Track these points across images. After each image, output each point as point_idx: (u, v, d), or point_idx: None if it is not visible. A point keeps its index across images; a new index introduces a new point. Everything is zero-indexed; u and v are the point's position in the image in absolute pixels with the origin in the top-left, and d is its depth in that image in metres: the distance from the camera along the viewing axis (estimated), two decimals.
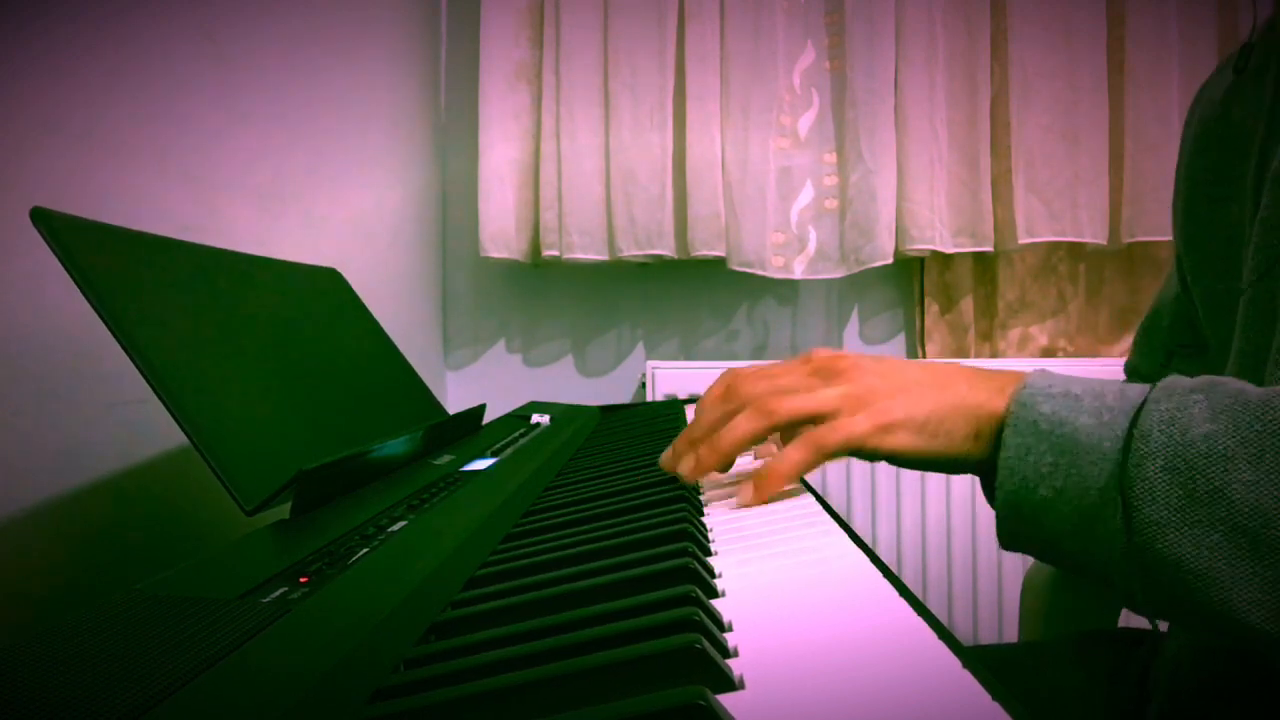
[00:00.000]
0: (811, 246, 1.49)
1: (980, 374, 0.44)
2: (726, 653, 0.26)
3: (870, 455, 0.44)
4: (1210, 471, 0.33)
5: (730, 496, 0.49)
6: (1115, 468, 0.35)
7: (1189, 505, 0.33)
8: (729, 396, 0.49)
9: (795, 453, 0.44)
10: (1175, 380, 0.37)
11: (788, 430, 0.47)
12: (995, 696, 0.20)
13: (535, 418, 0.93)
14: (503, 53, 1.48)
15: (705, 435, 0.49)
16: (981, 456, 0.42)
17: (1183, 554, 0.33)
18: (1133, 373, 0.76)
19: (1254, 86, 0.53)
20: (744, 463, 0.51)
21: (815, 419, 0.45)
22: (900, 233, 1.44)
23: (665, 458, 0.52)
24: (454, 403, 1.58)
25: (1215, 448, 0.33)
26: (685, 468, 0.49)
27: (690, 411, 0.92)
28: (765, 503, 0.47)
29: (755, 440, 0.47)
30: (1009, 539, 0.40)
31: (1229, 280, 0.51)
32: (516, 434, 0.82)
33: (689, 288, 1.58)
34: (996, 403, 0.41)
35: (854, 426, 0.43)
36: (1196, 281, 0.58)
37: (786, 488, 0.47)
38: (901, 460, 0.44)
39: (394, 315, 1.07)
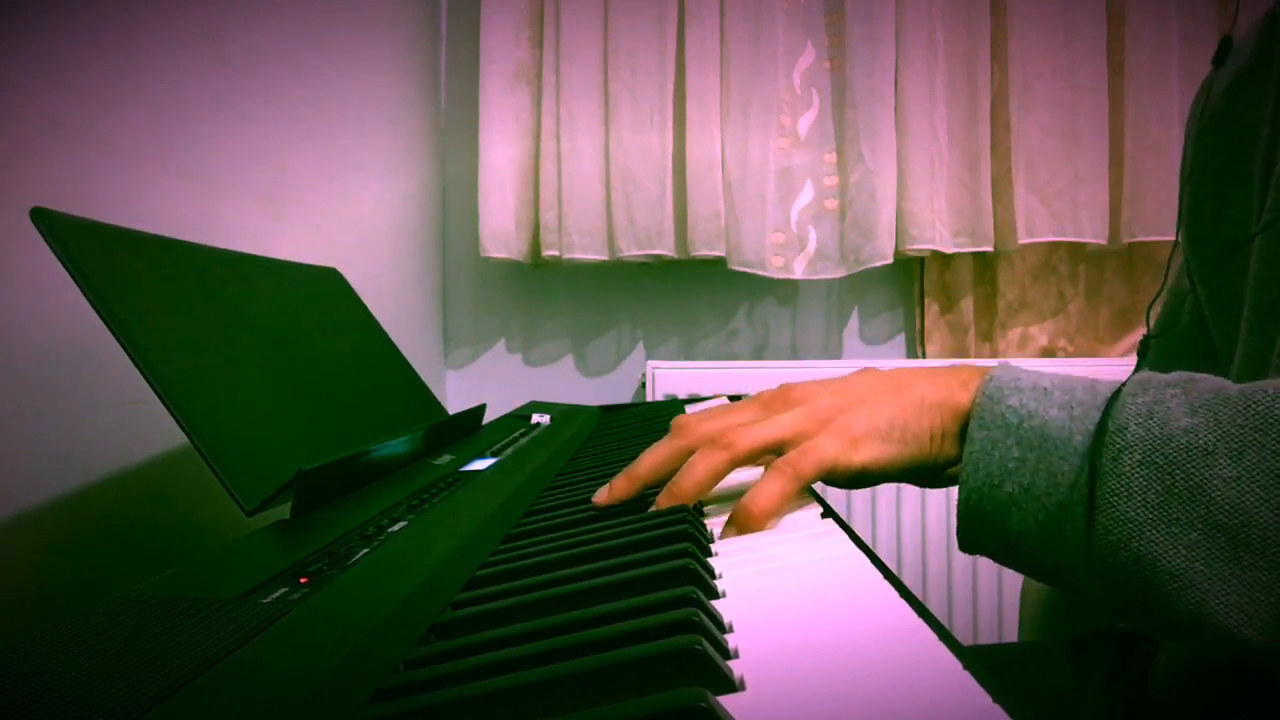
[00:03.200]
0: (811, 246, 1.49)
1: (939, 372, 0.42)
2: (727, 654, 0.25)
3: (844, 475, 0.41)
4: (1190, 467, 0.32)
5: (729, 508, 0.48)
6: (1086, 462, 0.34)
7: (1167, 502, 0.32)
8: (678, 434, 0.46)
9: (774, 484, 0.41)
10: (1149, 375, 0.36)
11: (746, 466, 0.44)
12: (995, 697, 0.20)
13: (535, 418, 0.93)
14: (503, 53, 1.48)
15: (650, 474, 0.45)
16: (953, 456, 0.40)
17: (1159, 553, 0.32)
18: None
19: (1257, 82, 0.52)
20: (746, 476, 0.49)
21: (778, 448, 0.42)
22: (900, 233, 1.44)
23: (600, 496, 0.46)
24: (454, 402, 1.58)
25: (1196, 442, 0.32)
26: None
27: (691, 411, 0.92)
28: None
29: (717, 479, 0.44)
30: (969, 541, 0.39)
31: (1234, 280, 0.51)
32: (516, 434, 0.82)
33: (689, 288, 1.58)
34: (961, 397, 0.40)
35: (823, 448, 0.41)
36: (1202, 281, 0.57)
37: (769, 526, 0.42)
38: (874, 474, 0.41)
39: (394, 315, 1.07)
